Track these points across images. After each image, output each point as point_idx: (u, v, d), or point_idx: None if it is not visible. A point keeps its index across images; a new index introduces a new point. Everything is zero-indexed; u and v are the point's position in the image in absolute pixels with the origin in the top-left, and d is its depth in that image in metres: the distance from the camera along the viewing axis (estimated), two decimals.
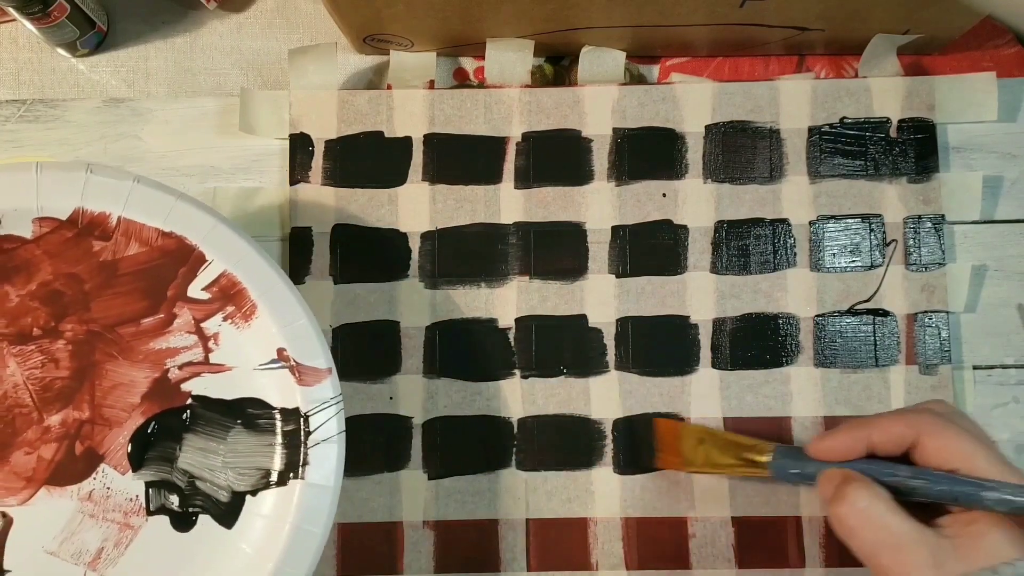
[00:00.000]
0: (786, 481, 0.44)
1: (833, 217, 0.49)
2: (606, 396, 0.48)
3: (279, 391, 0.41)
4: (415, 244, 0.49)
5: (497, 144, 0.49)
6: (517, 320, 0.48)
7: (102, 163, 0.50)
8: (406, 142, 0.49)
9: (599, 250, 0.49)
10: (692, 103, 0.49)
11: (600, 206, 0.49)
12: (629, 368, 0.48)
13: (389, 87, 0.51)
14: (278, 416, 0.41)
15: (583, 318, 0.48)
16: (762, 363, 0.48)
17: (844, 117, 0.49)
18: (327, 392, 0.41)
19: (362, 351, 0.48)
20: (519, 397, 0.48)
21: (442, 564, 0.47)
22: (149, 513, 0.41)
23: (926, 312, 0.48)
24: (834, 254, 0.49)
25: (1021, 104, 0.50)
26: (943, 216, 0.48)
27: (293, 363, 0.40)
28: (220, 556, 0.41)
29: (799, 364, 0.48)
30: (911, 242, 0.48)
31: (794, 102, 0.49)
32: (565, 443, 0.48)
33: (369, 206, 0.49)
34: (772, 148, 0.49)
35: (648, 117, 0.49)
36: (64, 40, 0.49)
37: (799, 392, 0.48)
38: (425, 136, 0.49)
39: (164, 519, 0.41)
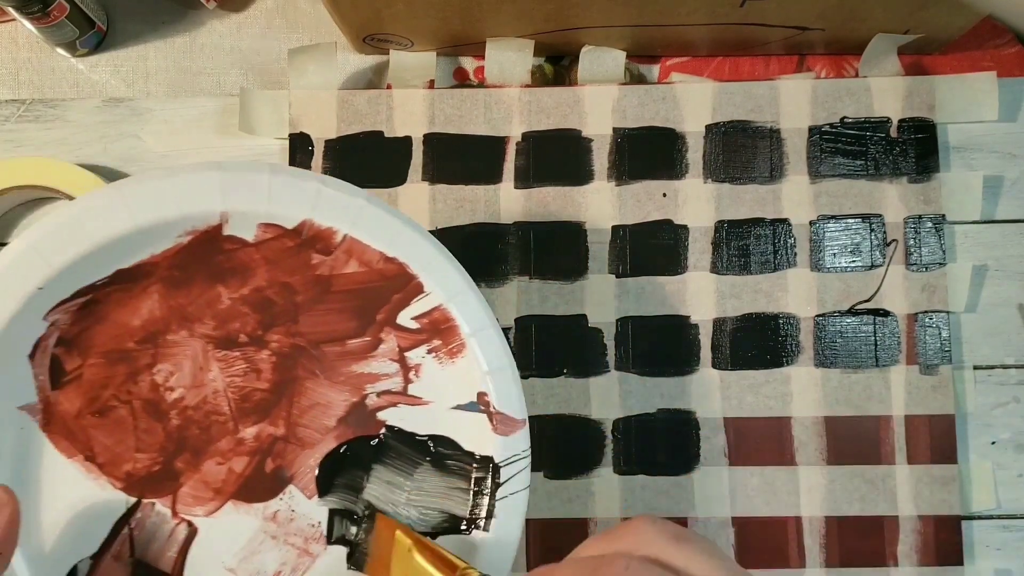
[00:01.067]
0: None
1: (833, 217, 0.49)
2: (606, 396, 0.48)
3: (472, 435, 0.40)
4: None
5: (497, 144, 0.49)
6: (517, 320, 0.48)
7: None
8: (406, 142, 0.49)
9: (599, 250, 0.49)
10: (692, 103, 0.49)
11: (600, 206, 0.49)
12: (629, 368, 0.48)
13: (389, 87, 0.51)
14: (471, 461, 0.40)
15: (583, 318, 0.48)
16: (762, 363, 0.48)
17: (844, 117, 0.49)
18: (520, 444, 0.39)
19: None
20: None
21: None
22: (329, 542, 0.40)
23: (927, 312, 0.48)
24: (834, 254, 0.49)
25: (1021, 104, 0.50)
26: (943, 216, 0.48)
27: (493, 410, 0.39)
28: None
29: (799, 364, 0.48)
30: (911, 242, 0.48)
31: (794, 102, 0.49)
32: (565, 443, 0.48)
33: None
34: (772, 148, 0.49)
35: (648, 117, 0.49)
36: (64, 40, 0.49)
37: (799, 392, 0.48)
38: (425, 136, 0.49)
39: (342, 551, 0.40)
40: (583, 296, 0.48)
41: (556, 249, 0.49)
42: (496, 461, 0.39)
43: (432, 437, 0.40)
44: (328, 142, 0.49)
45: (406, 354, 0.40)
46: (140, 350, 0.38)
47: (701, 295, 0.48)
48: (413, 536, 0.37)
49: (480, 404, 0.39)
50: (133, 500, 0.39)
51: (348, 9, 0.46)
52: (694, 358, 0.48)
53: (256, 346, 0.39)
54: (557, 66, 0.52)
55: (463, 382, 0.39)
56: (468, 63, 0.52)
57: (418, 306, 0.39)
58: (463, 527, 0.39)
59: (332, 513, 0.40)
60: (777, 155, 0.49)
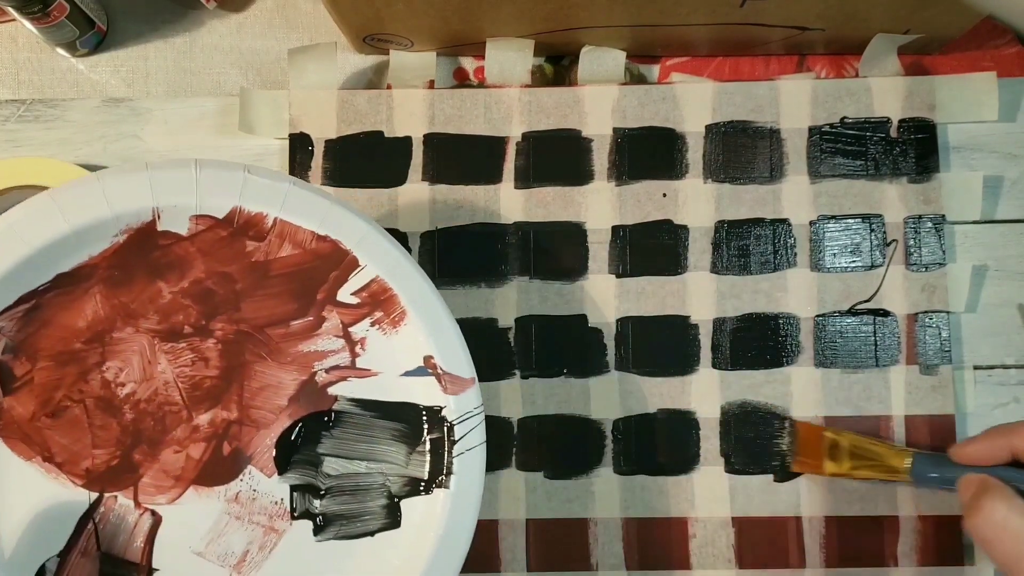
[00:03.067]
0: (926, 486, 0.44)
1: (833, 217, 0.49)
2: (606, 396, 0.48)
3: (424, 399, 0.41)
4: (415, 244, 0.49)
5: (497, 144, 0.49)
6: (517, 320, 0.48)
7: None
8: (406, 142, 0.49)
9: (599, 250, 0.49)
10: (692, 103, 0.49)
11: (600, 206, 0.49)
12: (629, 368, 0.48)
13: (389, 87, 0.51)
14: (425, 423, 0.41)
15: (583, 318, 0.48)
16: (762, 363, 0.48)
17: (844, 117, 0.49)
18: (472, 402, 0.41)
19: None
20: (519, 397, 0.48)
21: None
22: (293, 517, 0.41)
23: (926, 312, 0.48)
24: (834, 254, 0.49)
25: (1021, 104, 0.50)
26: (943, 216, 0.48)
27: (440, 371, 0.40)
28: (364, 564, 0.41)
29: (799, 364, 0.48)
30: (911, 242, 0.48)
31: (794, 102, 0.49)
32: (565, 443, 0.48)
33: (369, 206, 0.49)
34: (772, 148, 0.49)
35: (648, 117, 0.49)
36: (64, 40, 0.49)
37: (799, 392, 0.48)
38: (425, 136, 0.49)
39: (307, 524, 0.41)
40: (583, 296, 0.48)
41: (556, 249, 0.49)
42: (449, 420, 0.40)
43: (387, 404, 0.41)
44: (328, 142, 0.49)
45: (350, 329, 0.41)
46: (88, 350, 0.40)
47: (701, 295, 0.48)
48: (836, 430, 0.45)
49: (428, 367, 0.40)
50: (95, 495, 0.40)
51: (348, 9, 0.46)
52: (694, 358, 0.48)
53: (201, 336, 0.41)
54: (557, 66, 0.52)
55: (409, 349, 0.41)
56: (468, 63, 0.52)
57: (356, 280, 0.40)
58: (422, 488, 0.41)
59: (293, 489, 0.41)
60: (777, 155, 0.49)
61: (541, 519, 0.47)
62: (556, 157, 0.49)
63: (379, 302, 0.40)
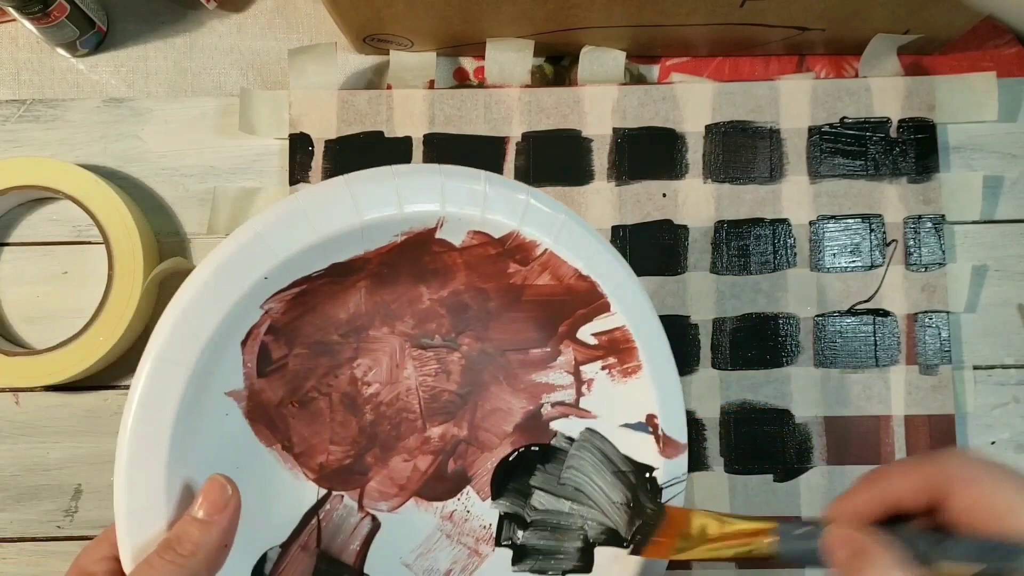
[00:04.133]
0: (801, 562, 0.35)
1: (833, 217, 0.49)
2: None
3: (637, 455, 0.40)
4: None
5: (497, 144, 0.49)
6: None
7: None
8: (406, 142, 0.49)
9: None
10: (692, 103, 0.49)
11: (600, 206, 0.49)
12: None
13: (389, 87, 0.51)
14: (634, 479, 0.40)
15: None
16: (762, 363, 0.48)
17: (844, 117, 0.49)
18: (680, 468, 0.40)
19: None
20: None
21: None
22: (497, 544, 0.41)
23: (926, 312, 0.48)
24: (834, 254, 0.49)
25: (1021, 104, 0.50)
26: (943, 216, 0.48)
27: (661, 433, 0.39)
28: None
29: (799, 364, 0.48)
30: (911, 242, 0.48)
31: (794, 102, 0.49)
32: None
33: None
34: (772, 148, 0.49)
35: (648, 117, 0.49)
36: (64, 40, 0.49)
37: (799, 392, 0.48)
38: (425, 136, 0.49)
39: (507, 553, 0.40)
40: None
41: None
42: (659, 482, 0.39)
43: (600, 449, 0.40)
44: (328, 142, 0.49)
45: (581, 367, 0.41)
46: (343, 343, 0.39)
47: (701, 295, 0.48)
48: (703, 513, 0.36)
49: (649, 425, 0.40)
50: (323, 491, 0.39)
51: (348, 9, 0.46)
52: (694, 358, 0.48)
53: (448, 348, 0.40)
54: (557, 66, 0.52)
55: (632, 401, 0.40)
56: (468, 63, 0.52)
57: (600, 323, 0.39)
58: (620, 540, 0.39)
59: (502, 517, 0.41)
60: (777, 155, 0.49)
61: None
62: (556, 157, 0.49)
63: (617, 350, 0.40)
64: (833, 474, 0.47)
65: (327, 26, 0.52)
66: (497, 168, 0.49)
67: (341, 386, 0.39)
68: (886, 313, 0.48)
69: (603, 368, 0.40)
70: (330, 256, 0.36)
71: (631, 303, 0.39)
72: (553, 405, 0.41)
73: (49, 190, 0.47)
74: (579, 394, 0.41)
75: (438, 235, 0.37)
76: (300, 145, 0.49)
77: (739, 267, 0.49)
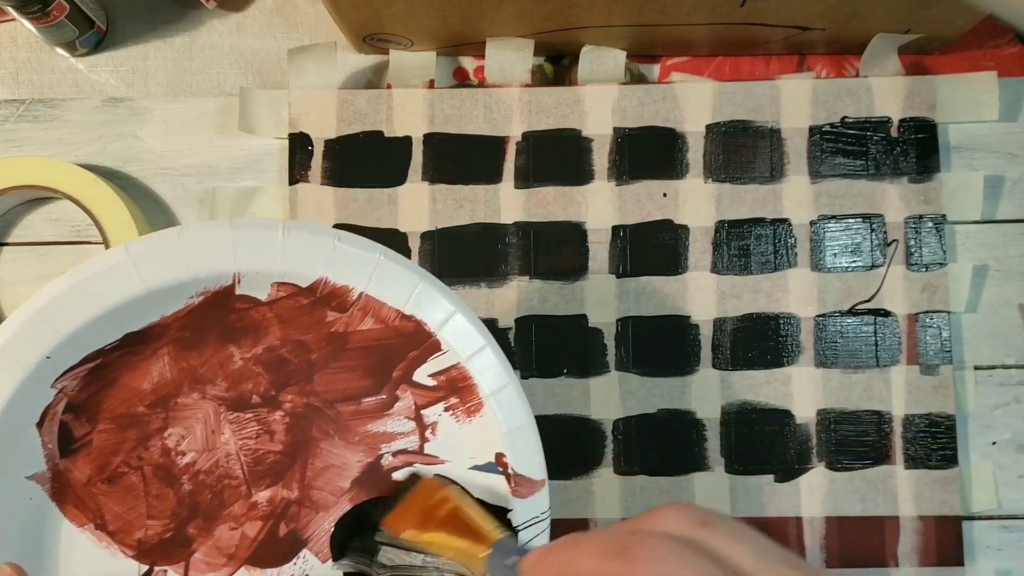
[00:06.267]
0: None
1: (834, 217, 0.49)
2: (606, 396, 0.48)
3: (490, 498, 0.38)
4: (415, 244, 0.49)
5: (497, 144, 0.49)
6: (517, 320, 0.48)
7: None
8: (406, 142, 0.49)
9: (599, 250, 0.48)
10: (693, 103, 0.49)
11: (600, 206, 0.49)
12: (629, 368, 0.48)
13: (389, 87, 0.51)
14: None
15: (583, 318, 0.48)
16: (763, 363, 0.48)
17: (845, 117, 0.49)
18: (540, 506, 0.38)
19: None
20: None
21: None
22: None
23: (927, 312, 0.48)
24: (835, 254, 0.48)
25: (1022, 104, 0.50)
26: (944, 216, 0.48)
27: (511, 471, 0.38)
28: None
29: (800, 364, 0.48)
30: (912, 242, 0.48)
31: (795, 101, 0.49)
32: (565, 443, 0.47)
33: (369, 206, 0.49)
34: (773, 148, 0.49)
35: (648, 117, 0.49)
36: (63, 40, 0.49)
37: (800, 392, 0.48)
38: (425, 136, 0.49)
39: None
40: (583, 296, 0.48)
41: (556, 249, 0.49)
42: (515, 524, 0.38)
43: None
44: (328, 142, 0.49)
45: (423, 412, 0.39)
46: (151, 414, 0.38)
47: (701, 295, 0.48)
48: (455, 497, 0.36)
49: (498, 465, 0.38)
50: (145, 568, 0.38)
51: (348, 9, 0.46)
52: (694, 358, 0.48)
53: (270, 407, 0.38)
54: (557, 66, 0.52)
55: (481, 441, 0.38)
56: (468, 63, 0.52)
57: (435, 363, 0.38)
58: None
59: None
60: (777, 155, 0.49)
61: None
62: (556, 157, 0.49)
63: (457, 388, 0.38)
64: (833, 474, 0.47)
65: (327, 26, 0.51)
66: (497, 168, 0.49)
67: (153, 458, 0.38)
68: (887, 313, 0.48)
69: (446, 410, 0.39)
70: (123, 326, 0.35)
71: (463, 338, 0.37)
72: (395, 454, 0.39)
73: (48, 190, 0.47)
74: (423, 440, 0.39)
75: (239, 291, 0.36)
76: (300, 145, 0.49)
77: (740, 267, 0.48)
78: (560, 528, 0.47)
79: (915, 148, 0.49)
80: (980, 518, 0.48)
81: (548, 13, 0.46)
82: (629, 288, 0.48)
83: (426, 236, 0.49)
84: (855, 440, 0.47)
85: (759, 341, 0.48)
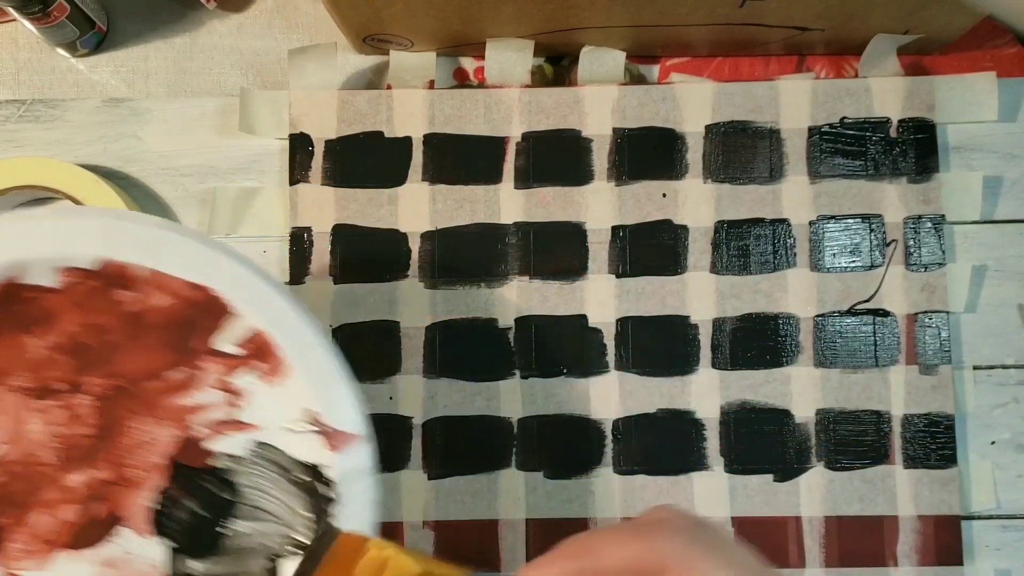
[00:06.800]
0: None
1: (833, 217, 0.49)
2: (606, 396, 0.48)
3: (307, 456, 0.39)
4: (415, 244, 0.49)
5: (497, 144, 0.49)
6: (517, 320, 0.48)
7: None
8: (406, 142, 0.49)
9: (599, 250, 0.49)
10: (692, 103, 0.49)
11: (600, 206, 0.49)
12: (629, 368, 0.48)
13: (389, 87, 0.51)
14: (307, 482, 0.39)
15: (583, 318, 0.48)
16: (762, 363, 0.48)
17: (844, 117, 0.49)
18: (363, 459, 0.38)
19: (362, 351, 0.48)
20: (519, 397, 0.48)
21: None
22: None
23: (926, 312, 0.48)
24: (834, 254, 0.49)
25: (1021, 104, 0.50)
26: (943, 216, 0.48)
27: (325, 427, 0.38)
28: None
29: (799, 364, 0.48)
30: (911, 242, 0.48)
31: (794, 102, 0.49)
32: (565, 443, 0.48)
33: (369, 206, 0.49)
34: (772, 148, 0.49)
35: (648, 117, 0.49)
36: (64, 40, 0.49)
37: (799, 392, 0.48)
38: (425, 136, 0.49)
39: None
40: (583, 296, 0.48)
41: (556, 249, 0.49)
42: (332, 479, 0.38)
43: (263, 460, 0.39)
44: (328, 142, 0.49)
45: (229, 381, 0.39)
46: None
47: (701, 295, 0.48)
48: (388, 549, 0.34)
49: (313, 424, 0.38)
50: None
51: (348, 9, 0.46)
52: (694, 358, 0.48)
53: (76, 392, 0.38)
54: (557, 66, 0.52)
55: (291, 403, 0.38)
56: (468, 63, 0.52)
57: (235, 330, 0.38)
58: (303, 549, 0.38)
59: (170, 551, 0.39)
60: (777, 155, 0.49)
61: (541, 519, 0.47)
62: (556, 157, 0.49)
63: (261, 353, 0.38)
64: (833, 474, 0.47)
65: (327, 26, 0.52)
66: (497, 168, 0.49)
67: None
68: (886, 313, 0.48)
69: (254, 376, 0.39)
70: None
71: (260, 301, 0.37)
72: (205, 425, 0.39)
73: (49, 190, 0.47)
74: (234, 407, 0.39)
75: (25, 281, 0.36)
76: (300, 145, 0.49)
77: (739, 267, 0.49)
78: (561, 528, 0.47)
79: (914, 148, 0.49)
80: (979, 518, 0.48)
81: (548, 14, 0.46)
82: (629, 288, 0.48)
83: (426, 236, 0.49)
84: (854, 440, 0.47)
85: (758, 341, 0.48)
